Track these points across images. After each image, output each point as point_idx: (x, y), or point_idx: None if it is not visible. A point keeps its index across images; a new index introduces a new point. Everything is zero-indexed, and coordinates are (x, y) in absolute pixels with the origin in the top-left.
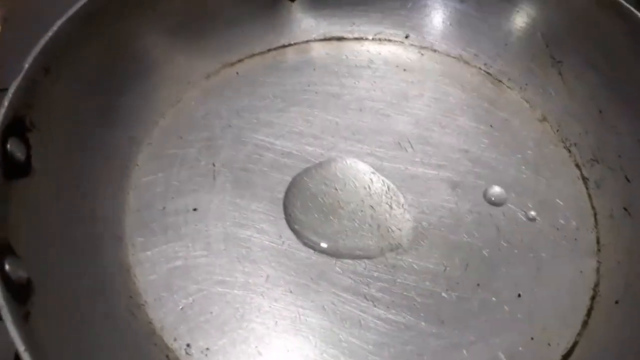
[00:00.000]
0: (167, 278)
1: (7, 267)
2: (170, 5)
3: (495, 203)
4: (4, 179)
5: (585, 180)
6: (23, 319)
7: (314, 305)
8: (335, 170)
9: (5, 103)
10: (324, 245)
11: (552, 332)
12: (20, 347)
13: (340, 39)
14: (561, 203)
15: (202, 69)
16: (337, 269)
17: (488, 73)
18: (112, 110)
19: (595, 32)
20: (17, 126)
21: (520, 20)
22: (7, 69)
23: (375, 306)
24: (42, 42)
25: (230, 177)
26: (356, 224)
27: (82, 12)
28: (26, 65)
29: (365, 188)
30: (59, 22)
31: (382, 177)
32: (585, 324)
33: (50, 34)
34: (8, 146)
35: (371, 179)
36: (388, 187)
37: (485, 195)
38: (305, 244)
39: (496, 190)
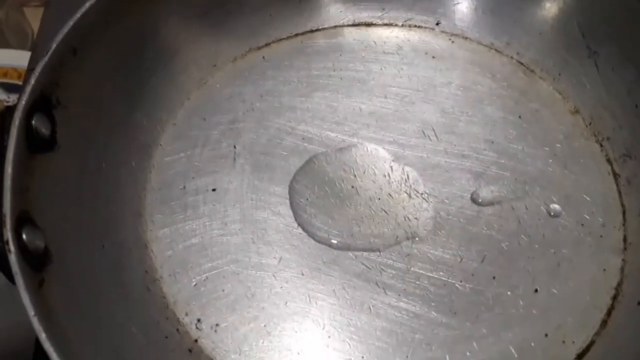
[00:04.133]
0: (183, 255)
1: (24, 236)
2: None
3: (480, 203)
4: (28, 153)
5: (616, 176)
6: (37, 286)
7: (324, 289)
8: (355, 157)
9: (32, 80)
10: (335, 233)
11: (568, 330)
12: (30, 312)
13: (369, 24)
14: (588, 199)
15: (228, 52)
16: (350, 254)
17: (520, 63)
18: (138, 91)
19: (635, 23)
20: (44, 103)
21: (555, 8)
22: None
23: (386, 293)
24: (70, 23)
25: (250, 159)
26: (372, 211)
27: None
28: (54, 45)
29: (384, 176)
30: (87, 4)
31: (402, 165)
32: (604, 323)
33: (78, 15)
34: (33, 122)
35: (391, 167)
36: (408, 176)
37: (472, 195)
38: (316, 233)
39: (483, 192)
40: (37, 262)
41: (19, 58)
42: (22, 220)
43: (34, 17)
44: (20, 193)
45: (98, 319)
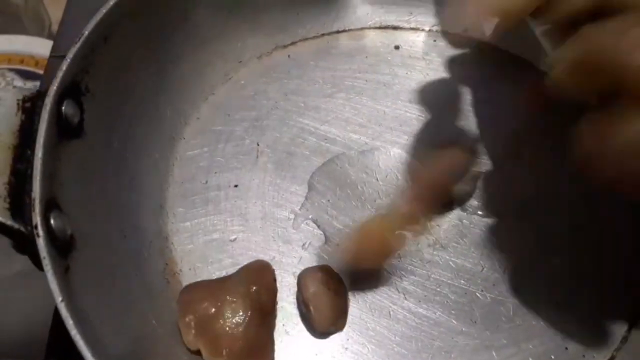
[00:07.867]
0: (204, 249)
1: (52, 221)
2: None
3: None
4: (57, 139)
5: None
6: (63, 272)
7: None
8: (378, 160)
9: (64, 67)
10: None
11: (588, 344)
12: (58, 298)
13: (395, 28)
14: (613, 214)
15: (254, 49)
16: None
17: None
18: (164, 83)
19: None
20: (74, 90)
21: None
22: (70, 38)
23: (406, 299)
24: (103, 10)
25: (273, 157)
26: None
27: None
28: (86, 33)
29: (407, 181)
30: None
31: None
32: (624, 339)
33: (111, 3)
34: (63, 108)
35: None
36: None
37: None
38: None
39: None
40: (63, 248)
41: (36, 45)
42: (50, 205)
43: (51, 4)
44: (49, 178)
45: (119, 307)
